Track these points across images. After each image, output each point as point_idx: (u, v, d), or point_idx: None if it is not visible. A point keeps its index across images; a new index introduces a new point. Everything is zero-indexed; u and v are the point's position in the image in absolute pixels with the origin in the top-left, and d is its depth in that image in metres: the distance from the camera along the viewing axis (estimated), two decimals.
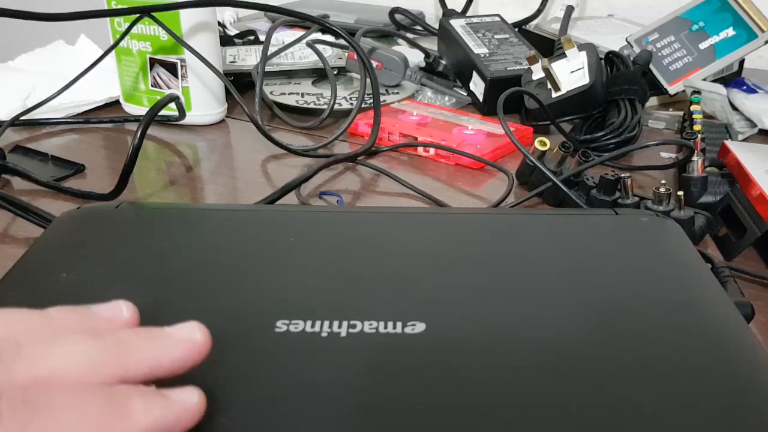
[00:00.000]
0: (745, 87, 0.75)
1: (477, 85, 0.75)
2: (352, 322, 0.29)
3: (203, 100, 0.70)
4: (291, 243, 0.36)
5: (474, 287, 0.32)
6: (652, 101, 0.74)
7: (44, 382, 0.22)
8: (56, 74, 0.75)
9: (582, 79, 0.65)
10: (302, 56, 0.82)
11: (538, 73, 0.68)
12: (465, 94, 0.77)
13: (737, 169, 0.50)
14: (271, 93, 0.75)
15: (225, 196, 0.57)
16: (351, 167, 0.62)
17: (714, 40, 0.71)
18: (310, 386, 0.25)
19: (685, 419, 0.24)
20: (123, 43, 0.69)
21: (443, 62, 0.80)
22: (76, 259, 0.34)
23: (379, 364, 0.26)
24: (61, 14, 0.57)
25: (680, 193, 0.48)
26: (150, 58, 0.68)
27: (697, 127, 0.57)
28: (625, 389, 0.25)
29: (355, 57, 0.69)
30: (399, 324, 0.28)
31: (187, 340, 0.24)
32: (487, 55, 0.76)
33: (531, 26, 0.93)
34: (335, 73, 0.76)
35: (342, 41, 0.69)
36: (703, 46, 0.72)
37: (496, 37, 0.80)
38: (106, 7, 0.67)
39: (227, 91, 0.70)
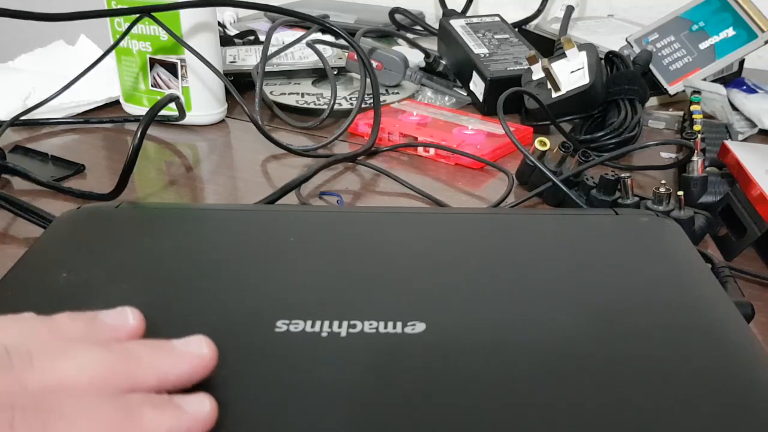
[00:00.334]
0: (745, 87, 0.75)
1: (477, 85, 0.75)
2: (352, 322, 0.29)
3: (203, 100, 0.70)
4: (291, 243, 0.36)
5: (474, 287, 0.32)
6: (652, 101, 0.74)
7: (56, 389, 0.22)
8: (56, 74, 0.75)
9: (582, 79, 0.65)
10: (302, 56, 0.82)
11: (538, 73, 0.68)
12: (465, 94, 0.77)
13: (737, 169, 0.50)
14: (271, 93, 0.75)
15: (225, 196, 0.57)
16: (351, 167, 0.62)
17: (714, 40, 0.71)
18: (310, 386, 0.25)
19: (685, 419, 0.24)
20: (123, 43, 0.69)
21: (443, 62, 0.80)
22: (76, 259, 0.34)
23: (379, 364, 0.26)
24: (61, 14, 0.57)
25: (680, 193, 0.48)
26: (150, 58, 0.68)
27: (697, 127, 0.57)
28: (625, 389, 0.25)
29: (355, 57, 0.69)
30: (399, 324, 0.28)
31: (194, 354, 0.24)
32: (487, 55, 0.76)
33: (531, 26, 0.93)
34: (335, 73, 0.76)
35: (342, 41, 0.69)
36: (703, 46, 0.72)
37: (496, 37, 0.80)
38: (106, 7, 0.68)
39: (227, 91, 0.70)
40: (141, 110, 0.71)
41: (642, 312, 0.30)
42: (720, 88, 0.67)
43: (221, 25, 0.98)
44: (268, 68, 0.77)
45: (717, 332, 0.29)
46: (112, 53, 0.70)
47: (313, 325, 0.28)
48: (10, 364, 0.22)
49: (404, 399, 0.25)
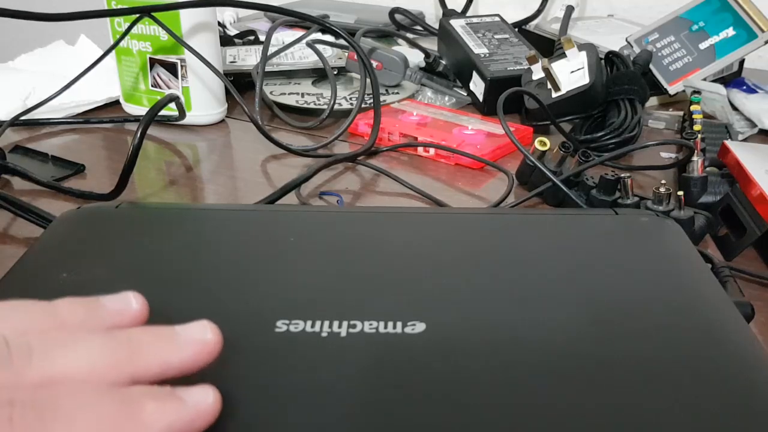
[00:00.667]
0: (745, 87, 0.75)
1: (477, 85, 0.75)
2: (352, 322, 0.29)
3: (203, 100, 0.70)
4: (291, 243, 0.36)
5: (474, 287, 0.32)
6: (652, 101, 0.74)
7: (56, 382, 0.22)
8: (56, 74, 0.75)
9: (582, 79, 0.65)
10: (302, 56, 0.82)
11: (538, 73, 0.68)
12: (465, 94, 0.77)
13: (737, 169, 0.50)
14: (271, 93, 0.75)
15: (225, 196, 0.57)
16: (351, 167, 0.62)
17: (714, 40, 0.71)
18: (310, 386, 0.25)
19: (685, 419, 0.24)
20: (123, 43, 0.69)
21: (443, 62, 0.80)
22: (76, 259, 0.34)
23: (380, 364, 0.26)
24: (61, 14, 0.57)
25: (680, 193, 0.48)
26: (150, 58, 0.68)
27: (697, 127, 0.57)
28: (625, 389, 0.25)
29: (355, 57, 0.69)
30: (399, 324, 0.29)
31: (197, 339, 0.24)
32: (487, 55, 0.76)
33: (531, 26, 0.93)
34: (335, 73, 0.76)
35: (342, 41, 0.69)
36: (703, 46, 0.72)
37: (496, 37, 0.80)
38: (106, 7, 0.68)
39: (227, 91, 0.70)
40: (141, 110, 0.71)
41: (642, 312, 0.30)
42: (720, 88, 0.67)
43: (221, 25, 0.98)
44: (268, 68, 0.77)
45: (717, 332, 0.29)
46: (112, 53, 0.70)
47: (313, 325, 0.28)
48: (9, 358, 0.22)
49: (404, 399, 0.25)
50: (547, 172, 0.52)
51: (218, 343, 0.24)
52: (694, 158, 0.54)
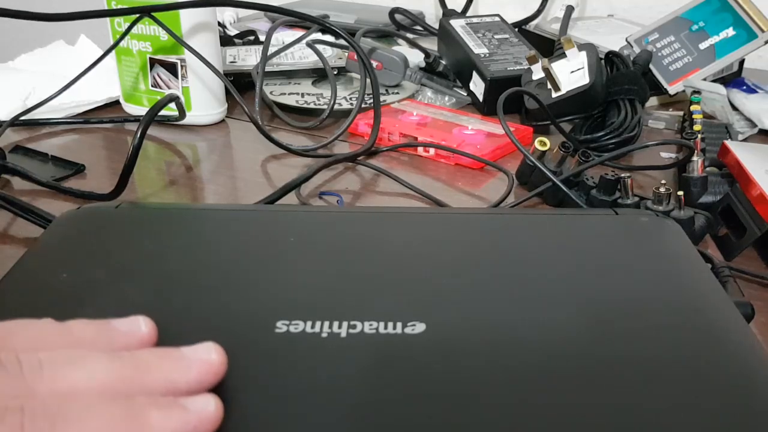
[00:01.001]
0: (745, 87, 0.75)
1: (477, 85, 0.75)
2: (352, 323, 0.29)
3: (203, 100, 0.70)
4: (291, 243, 0.36)
5: (474, 287, 0.32)
6: (652, 101, 0.74)
7: (64, 396, 0.22)
8: (56, 74, 0.75)
9: (582, 79, 0.65)
10: (302, 56, 0.82)
11: (538, 73, 0.68)
12: (465, 94, 0.77)
13: (737, 169, 0.50)
14: (271, 93, 0.75)
15: (225, 196, 0.57)
16: (351, 167, 0.62)
17: (714, 40, 0.71)
18: (310, 387, 0.25)
19: (685, 419, 0.24)
20: (123, 43, 0.69)
21: (443, 62, 0.80)
22: (76, 259, 0.34)
23: (380, 365, 0.26)
24: (61, 14, 0.57)
25: (680, 193, 0.48)
26: (150, 58, 0.68)
27: (697, 127, 0.57)
28: (625, 389, 0.25)
29: (355, 57, 0.69)
30: (399, 324, 0.28)
31: (203, 360, 0.25)
32: (487, 55, 0.76)
33: (531, 26, 0.93)
34: (335, 73, 0.76)
35: (342, 41, 0.69)
36: (703, 46, 0.72)
37: (496, 37, 0.80)
38: (106, 7, 0.67)
39: (227, 91, 0.70)
40: (141, 110, 0.71)
41: (642, 312, 0.30)
42: (720, 88, 0.67)
43: (221, 25, 0.98)
44: (268, 68, 0.77)
45: (717, 332, 0.29)
46: (112, 53, 0.70)
47: (313, 326, 0.28)
48: (20, 372, 0.22)
49: (404, 399, 0.25)
50: (547, 172, 0.52)
51: (223, 364, 0.25)
52: (694, 158, 0.54)
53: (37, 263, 0.34)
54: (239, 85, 0.75)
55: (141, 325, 0.26)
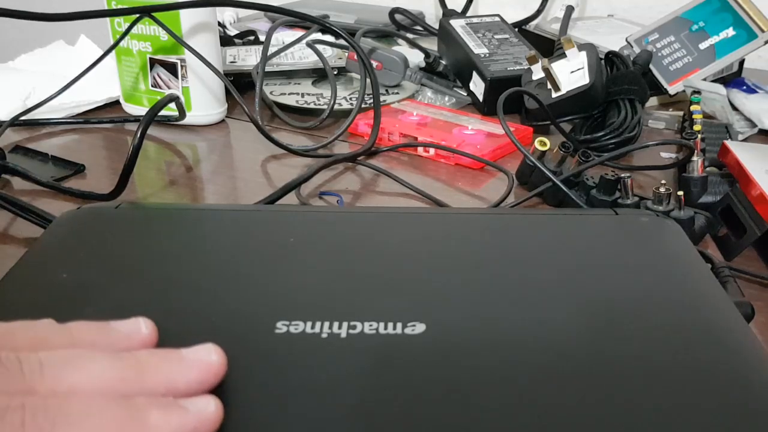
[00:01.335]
0: (745, 87, 0.75)
1: (477, 85, 0.75)
2: (352, 323, 0.29)
3: (203, 100, 0.70)
4: (291, 243, 0.36)
5: (474, 288, 0.32)
6: (652, 101, 0.74)
7: (65, 395, 0.22)
8: (56, 74, 0.75)
9: (582, 79, 0.65)
10: (302, 56, 0.82)
11: (538, 73, 0.68)
12: (465, 94, 0.77)
13: (737, 169, 0.50)
14: (271, 93, 0.75)
15: (225, 196, 0.57)
16: (351, 167, 0.62)
17: (714, 40, 0.71)
18: (310, 387, 0.25)
19: (685, 419, 0.24)
20: (123, 43, 0.69)
21: (443, 62, 0.80)
22: (76, 259, 0.34)
23: (380, 365, 0.26)
24: (61, 14, 0.57)
25: (680, 193, 0.48)
26: (150, 58, 0.68)
27: (697, 127, 0.57)
28: (625, 389, 0.25)
29: (355, 57, 0.69)
30: (399, 325, 0.28)
31: (203, 362, 0.25)
32: (487, 55, 0.76)
33: (531, 26, 0.93)
34: (335, 73, 0.76)
35: (342, 41, 0.69)
36: (703, 46, 0.72)
37: (496, 37, 0.80)
38: (106, 7, 0.67)
39: (227, 91, 0.70)
40: (141, 110, 0.71)
41: (642, 312, 0.30)
42: (720, 88, 0.67)
43: (221, 25, 0.98)
44: (268, 68, 0.77)
45: (717, 332, 0.29)
46: (112, 53, 0.70)
47: (313, 326, 0.28)
48: (20, 371, 0.23)
49: (405, 400, 0.25)
50: (547, 172, 0.52)
51: (223, 365, 0.25)
52: (694, 158, 0.53)
53: (37, 263, 0.34)
54: (239, 85, 0.75)
55: (141, 327, 0.26)
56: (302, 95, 0.76)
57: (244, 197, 0.57)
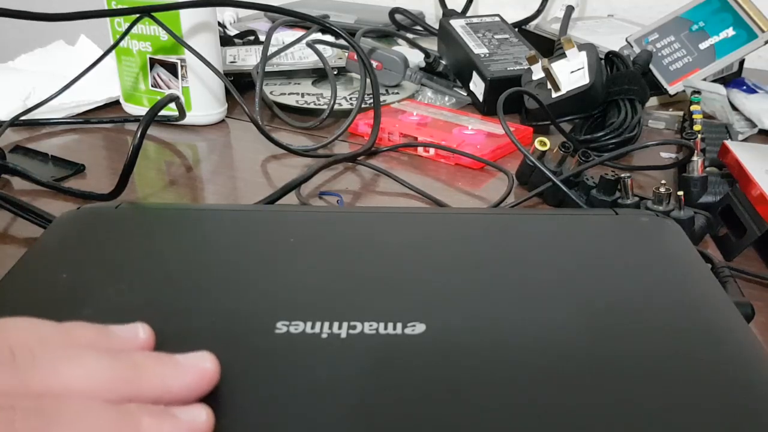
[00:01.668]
0: (745, 87, 0.75)
1: (477, 85, 0.75)
2: (352, 323, 0.29)
3: (203, 100, 0.70)
4: (291, 243, 0.36)
5: (474, 288, 0.32)
6: (652, 101, 0.74)
7: (57, 393, 0.22)
8: (56, 74, 0.75)
9: (582, 79, 0.65)
10: (302, 56, 0.82)
11: (538, 73, 0.68)
12: (465, 94, 0.77)
13: (737, 169, 0.50)
14: (271, 93, 0.75)
15: (225, 196, 0.57)
16: (351, 167, 0.62)
17: (714, 40, 0.71)
18: (310, 387, 0.25)
19: (685, 419, 0.24)
20: (123, 43, 0.69)
21: (443, 62, 0.80)
22: (76, 259, 0.34)
23: (380, 365, 0.26)
24: (61, 14, 0.57)
25: (680, 193, 0.48)
26: (150, 58, 0.68)
27: (697, 127, 0.57)
28: (625, 389, 0.25)
29: (355, 57, 0.69)
30: (399, 325, 0.28)
31: (197, 368, 0.25)
32: (487, 55, 0.76)
33: (531, 26, 0.93)
34: (335, 73, 0.76)
35: (342, 41, 0.69)
36: (703, 46, 0.72)
37: (496, 37, 0.80)
38: (106, 7, 0.67)
39: (227, 91, 0.70)
40: (141, 110, 0.71)
41: (642, 312, 0.30)
42: (720, 88, 0.67)
43: (221, 25, 0.98)
44: (268, 68, 0.77)
45: (717, 332, 0.29)
46: (112, 53, 0.70)
47: (313, 327, 0.28)
48: (13, 365, 0.22)
49: (404, 400, 0.25)
50: (547, 172, 0.52)
51: (216, 372, 0.25)
52: (694, 158, 0.53)
53: (37, 263, 0.34)
54: (239, 85, 0.75)
55: (139, 332, 0.26)
56: (302, 95, 0.76)
57: (244, 197, 0.57)
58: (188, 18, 0.66)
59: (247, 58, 0.81)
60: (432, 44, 0.86)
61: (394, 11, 0.96)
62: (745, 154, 0.51)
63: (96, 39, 0.85)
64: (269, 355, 0.27)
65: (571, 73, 0.66)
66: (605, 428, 0.24)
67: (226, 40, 0.85)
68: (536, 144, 0.54)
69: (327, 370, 0.26)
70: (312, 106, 0.73)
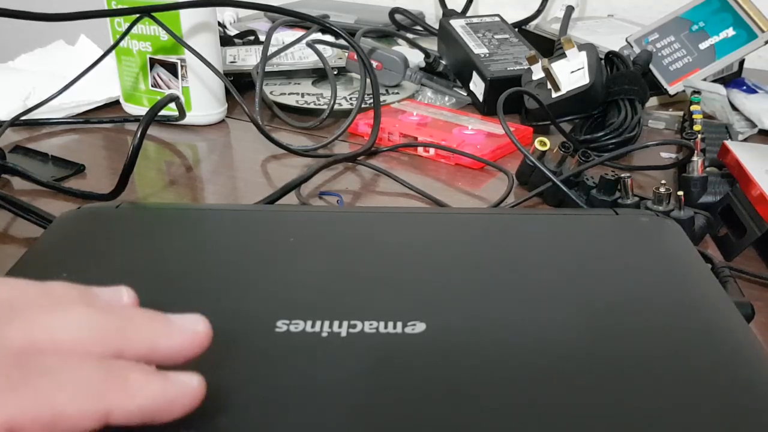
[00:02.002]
0: (745, 87, 0.75)
1: (477, 85, 0.75)
2: (352, 322, 0.29)
3: (203, 100, 0.70)
4: (291, 243, 0.36)
5: (474, 287, 0.32)
6: (652, 101, 0.74)
7: (42, 346, 0.21)
8: (56, 74, 0.75)
9: (582, 79, 0.65)
10: (302, 56, 0.82)
11: (538, 73, 0.68)
12: (465, 94, 0.77)
13: (737, 169, 0.50)
14: (271, 93, 0.75)
15: (225, 196, 0.57)
16: (351, 167, 0.62)
17: (714, 40, 0.71)
18: (310, 386, 0.25)
19: (685, 419, 0.24)
20: (123, 43, 0.69)
21: (443, 62, 0.80)
22: (76, 259, 0.34)
23: (380, 364, 0.26)
24: (61, 14, 0.57)
25: (680, 193, 0.48)
26: (150, 58, 0.68)
27: (697, 127, 0.57)
28: (625, 389, 0.25)
29: (355, 57, 0.69)
30: (399, 324, 0.28)
31: (188, 329, 0.24)
32: (487, 55, 0.76)
33: (531, 26, 0.93)
34: (335, 73, 0.76)
35: (342, 41, 0.69)
36: (703, 46, 0.72)
37: (496, 37, 0.80)
38: (106, 7, 0.67)
39: (227, 91, 0.70)
40: (141, 110, 0.71)
41: (642, 312, 0.30)
42: (720, 88, 0.67)
43: (221, 25, 0.98)
44: (268, 68, 0.77)
45: (717, 332, 0.29)
46: (112, 53, 0.70)
47: (313, 325, 0.28)
48: None
49: (405, 399, 0.25)
50: (547, 172, 0.52)
51: (208, 336, 0.24)
52: (694, 158, 0.53)
53: (37, 263, 0.34)
54: (239, 85, 0.75)
55: (123, 295, 0.26)
56: (302, 95, 0.76)
57: (244, 197, 0.57)
58: (188, 18, 0.66)
59: (247, 58, 0.81)
60: (432, 44, 0.86)
61: (394, 11, 0.96)
62: (745, 154, 0.51)
63: (96, 39, 0.85)
64: (269, 354, 0.27)
65: (571, 73, 0.66)
66: (605, 428, 0.24)
67: (226, 40, 0.85)
68: (536, 144, 0.54)
69: (327, 369, 0.26)
70: (312, 106, 0.73)
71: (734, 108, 0.71)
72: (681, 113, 0.71)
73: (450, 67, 0.80)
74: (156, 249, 0.35)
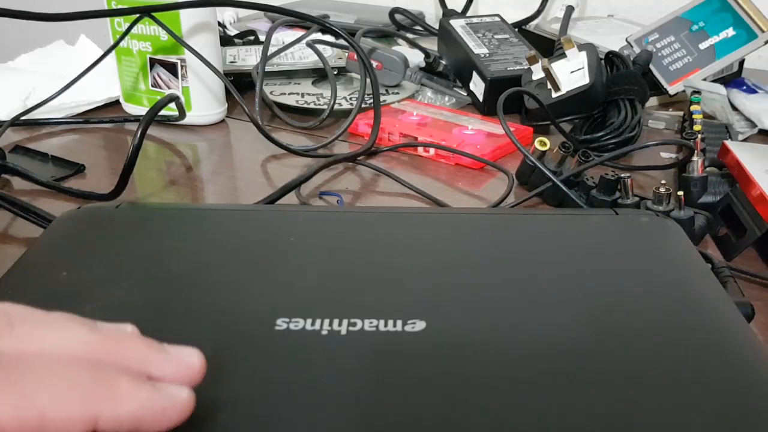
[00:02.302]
0: (745, 87, 0.75)
1: (477, 85, 0.75)
2: (352, 320, 0.29)
3: (203, 100, 0.70)
4: (291, 243, 0.36)
5: (474, 286, 0.32)
6: (652, 101, 0.74)
7: (31, 353, 0.21)
8: (56, 74, 0.75)
9: (582, 79, 0.65)
10: (302, 56, 0.82)
11: (538, 73, 0.68)
12: (465, 94, 0.77)
13: (737, 169, 0.50)
14: (271, 93, 0.75)
15: (225, 196, 0.57)
16: (351, 167, 0.62)
17: (714, 40, 0.71)
18: (310, 384, 0.25)
19: (685, 419, 0.24)
20: (123, 43, 0.69)
21: (443, 62, 0.80)
22: (76, 259, 0.34)
23: (380, 362, 0.26)
24: (61, 14, 0.57)
25: (680, 193, 0.48)
26: (150, 58, 0.68)
27: (697, 127, 0.57)
28: (625, 389, 0.25)
29: (355, 57, 0.69)
30: (399, 322, 0.29)
31: (182, 360, 0.23)
32: (487, 55, 0.76)
33: (531, 26, 0.93)
34: (335, 73, 0.76)
35: (342, 41, 0.69)
36: (703, 46, 0.72)
37: (496, 37, 0.80)
38: (106, 7, 0.68)
39: (227, 91, 0.70)
40: (141, 110, 0.71)
41: (642, 312, 0.30)
42: (720, 88, 0.67)
43: (221, 25, 0.98)
44: (268, 68, 0.77)
45: (717, 332, 0.29)
46: (112, 53, 0.70)
47: (313, 324, 0.28)
48: None
49: (404, 397, 0.25)
50: (547, 172, 0.52)
51: (201, 372, 0.24)
52: (694, 158, 0.53)
53: (37, 263, 0.34)
54: (239, 85, 0.75)
55: (126, 328, 0.25)
56: (302, 95, 0.76)
57: (244, 197, 0.57)
58: (188, 18, 0.66)
59: (247, 58, 0.81)
60: (432, 44, 0.86)
61: (394, 11, 0.96)
62: (745, 154, 0.51)
63: (96, 39, 0.85)
64: (269, 352, 0.27)
65: (571, 73, 0.66)
66: (605, 428, 0.24)
67: (226, 40, 0.85)
68: (536, 144, 0.54)
69: (327, 367, 0.26)
70: (312, 106, 0.73)
71: (734, 108, 0.71)
72: (681, 113, 0.71)
73: (450, 67, 0.80)
74: (156, 249, 0.35)
